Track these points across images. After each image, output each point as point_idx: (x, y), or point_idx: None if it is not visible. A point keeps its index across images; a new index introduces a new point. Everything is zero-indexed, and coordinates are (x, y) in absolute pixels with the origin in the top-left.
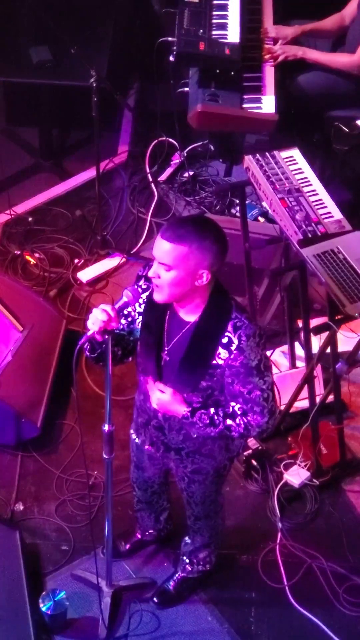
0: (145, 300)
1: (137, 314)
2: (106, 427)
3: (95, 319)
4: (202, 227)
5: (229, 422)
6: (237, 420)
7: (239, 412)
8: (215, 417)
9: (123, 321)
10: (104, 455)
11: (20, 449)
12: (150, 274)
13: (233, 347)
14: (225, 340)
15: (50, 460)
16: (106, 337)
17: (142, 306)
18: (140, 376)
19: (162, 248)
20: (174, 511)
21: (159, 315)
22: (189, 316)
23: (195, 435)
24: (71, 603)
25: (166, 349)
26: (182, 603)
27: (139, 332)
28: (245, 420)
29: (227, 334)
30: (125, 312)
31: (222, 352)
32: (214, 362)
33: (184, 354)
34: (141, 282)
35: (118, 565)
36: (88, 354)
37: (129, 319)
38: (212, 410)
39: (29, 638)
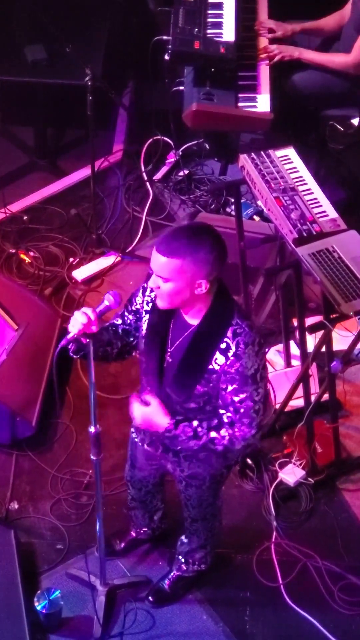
0: (153, 299)
1: (144, 312)
2: (92, 429)
3: (75, 322)
4: (196, 239)
5: (212, 434)
6: (223, 432)
7: (226, 421)
8: (199, 430)
9: (131, 317)
10: (92, 457)
11: (15, 447)
12: (150, 284)
13: (230, 354)
14: (223, 345)
15: (45, 459)
16: (87, 340)
17: (150, 305)
18: (142, 376)
19: (158, 261)
20: (170, 510)
21: (165, 317)
22: (193, 319)
23: (179, 448)
24: (66, 602)
25: (169, 350)
26: (177, 602)
27: (145, 330)
28: (231, 432)
29: (226, 339)
30: (134, 308)
31: (219, 358)
32: (211, 366)
33: (182, 357)
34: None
35: (113, 564)
36: (72, 354)
37: (137, 315)
38: (195, 422)
39: (24, 637)
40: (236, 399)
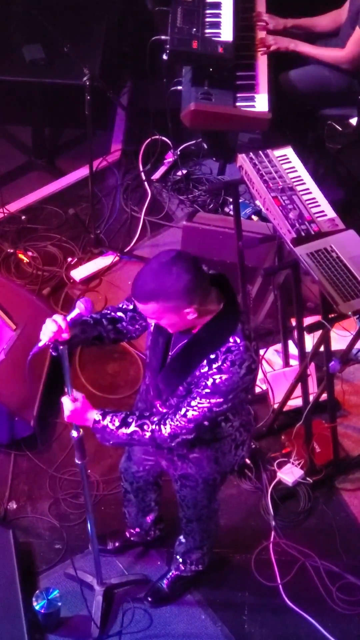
0: None
1: None
2: (74, 434)
3: (46, 330)
4: (160, 278)
5: (142, 420)
6: (154, 418)
7: (168, 416)
8: (129, 418)
9: None
10: (77, 461)
11: (14, 447)
12: (150, 321)
13: (214, 365)
14: (212, 356)
15: (43, 459)
16: (61, 347)
17: None
18: (146, 368)
19: (139, 307)
20: (168, 509)
21: None
22: (195, 328)
23: (111, 442)
24: (64, 601)
25: (170, 353)
26: (176, 602)
27: (152, 328)
28: (163, 419)
29: (217, 352)
30: None
31: (205, 367)
32: (196, 372)
33: (172, 358)
34: None
35: (111, 563)
36: (53, 352)
37: None
38: (124, 412)
39: (22, 637)
40: (198, 399)
